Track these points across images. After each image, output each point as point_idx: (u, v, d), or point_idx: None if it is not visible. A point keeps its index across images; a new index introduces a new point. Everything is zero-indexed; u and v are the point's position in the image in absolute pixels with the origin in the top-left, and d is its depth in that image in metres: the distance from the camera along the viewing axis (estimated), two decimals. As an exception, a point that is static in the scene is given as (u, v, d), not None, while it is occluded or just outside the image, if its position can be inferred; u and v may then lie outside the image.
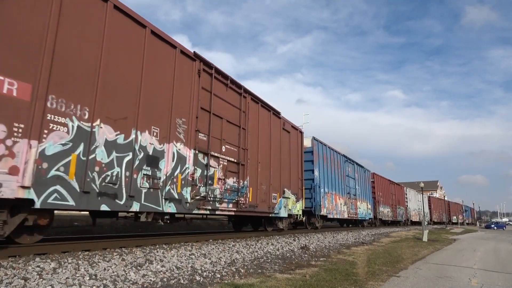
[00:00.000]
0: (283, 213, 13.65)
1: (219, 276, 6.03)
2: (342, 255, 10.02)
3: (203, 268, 6.37)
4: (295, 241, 12.14)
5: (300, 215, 15.51)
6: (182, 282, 5.40)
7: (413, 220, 42.46)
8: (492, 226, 60.43)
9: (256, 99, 12.11)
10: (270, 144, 12.90)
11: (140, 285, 4.95)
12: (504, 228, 58.85)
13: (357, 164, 25.13)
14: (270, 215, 12.89)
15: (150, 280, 5.23)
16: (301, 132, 16.16)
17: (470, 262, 10.19)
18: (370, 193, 27.61)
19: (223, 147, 10.08)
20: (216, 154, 9.68)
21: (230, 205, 10.18)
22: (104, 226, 12.51)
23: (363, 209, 25.50)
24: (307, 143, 17.84)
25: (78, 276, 4.76)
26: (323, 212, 17.98)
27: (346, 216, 21.74)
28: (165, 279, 5.38)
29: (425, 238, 18.64)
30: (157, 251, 7.05)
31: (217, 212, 9.72)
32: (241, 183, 10.71)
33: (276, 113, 13.57)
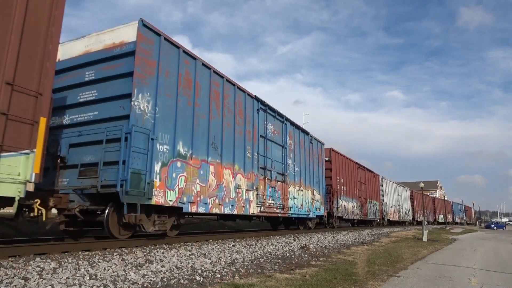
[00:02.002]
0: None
1: (219, 276, 6.04)
2: (342, 255, 10.02)
3: (203, 268, 6.37)
4: (295, 241, 12.15)
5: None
6: (182, 282, 5.40)
7: (390, 219, 33.34)
8: (492, 226, 60.43)
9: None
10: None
11: (140, 285, 4.95)
12: (504, 228, 58.86)
13: (296, 126, 15.56)
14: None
15: (150, 280, 5.23)
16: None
17: (470, 262, 10.19)
18: (322, 178, 18.33)
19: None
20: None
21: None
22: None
23: (305, 200, 15.71)
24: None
25: (78, 276, 4.76)
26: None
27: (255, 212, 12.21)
28: (165, 279, 5.38)
29: (425, 238, 18.65)
30: (157, 251, 7.04)
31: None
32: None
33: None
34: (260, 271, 6.79)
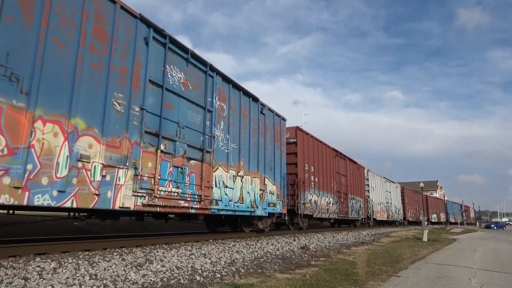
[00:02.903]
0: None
1: (219, 276, 6.04)
2: (342, 255, 10.02)
3: (203, 268, 6.38)
4: (295, 241, 12.15)
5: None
6: (182, 282, 5.40)
7: (377, 218, 28.69)
8: (492, 226, 60.43)
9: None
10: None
11: (140, 285, 4.96)
12: (504, 228, 58.84)
13: (233, 84, 11.00)
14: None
15: (150, 280, 5.23)
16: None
17: (470, 262, 10.19)
18: (280, 164, 13.66)
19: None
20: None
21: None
22: (104, 226, 12.51)
23: (247, 191, 11.21)
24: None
25: (78, 276, 4.76)
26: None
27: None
28: (165, 279, 5.38)
29: (425, 238, 18.65)
30: (157, 251, 7.05)
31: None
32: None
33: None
34: (260, 271, 6.79)
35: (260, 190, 11.83)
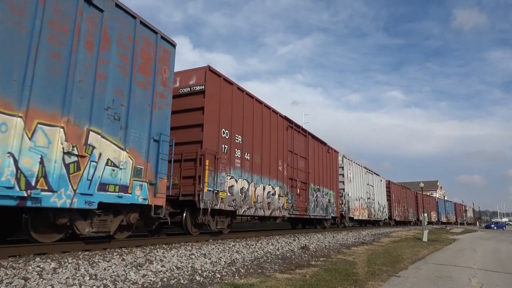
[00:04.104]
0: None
1: (219, 276, 6.04)
2: (342, 255, 10.02)
3: (203, 268, 6.38)
4: (295, 241, 12.15)
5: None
6: (182, 282, 5.40)
7: (355, 217, 23.36)
8: (492, 226, 60.46)
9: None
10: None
11: (140, 285, 4.96)
12: (504, 228, 58.88)
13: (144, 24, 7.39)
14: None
15: (150, 280, 5.23)
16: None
17: (470, 262, 10.20)
18: (153, 116, 7.63)
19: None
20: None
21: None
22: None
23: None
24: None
25: (78, 276, 4.76)
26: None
27: None
28: (165, 279, 5.38)
29: (425, 238, 18.66)
30: (157, 251, 7.05)
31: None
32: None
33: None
34: (260, 271, 6.79)
35: (69, 155, 5.84)
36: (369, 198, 26.71)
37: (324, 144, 19.07)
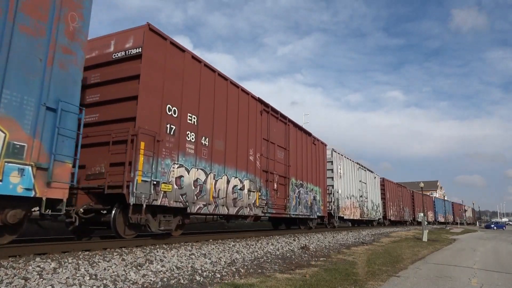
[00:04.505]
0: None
1: (219, 276, 6.04)
2: (342, 255, 10.02)
3: (203, 268, 6.38)
4: (295, 241, 12.15)
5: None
6: (182, 282, 5.40)
7: (345, 216, 21.35)
8: (492, 226, 60.47)
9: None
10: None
11: (140, 285, 4.96)
12: (504, 228, 58.89)
13: None
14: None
15: (150, 280, 5.23)
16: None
17: (470, 262, 10.20)
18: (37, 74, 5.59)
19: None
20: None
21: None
22: (104, 226, 12.48)
23: None
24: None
25: (78, 276, 4.76)
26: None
27: None
28: (165, 279, 5.38)
29: (425, 238, 18.66)
30: (157, 251, 7.05)
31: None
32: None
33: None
34: (260, 271, 6.79)
35: None
36: (361, 196, 24.85)
37: (309, 134, 16.92)
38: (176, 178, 8.38)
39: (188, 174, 8.83)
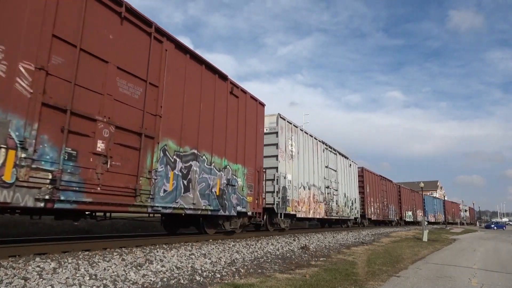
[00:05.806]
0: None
1: (219, 276, 6.04)
2: (342, 255, 10.02)
3: (203, 268, 6.37)
4: (295, 241, 12.14)
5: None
6: (182, 282, 5.40)
7: (300, 214, 15.45)
8: (492, 226, 60.48)
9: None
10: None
11: (140, 285, 4.95)
12: (504, 228, 58.91)
13: None
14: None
15: (150, 280, 5.23)
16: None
17: (470, 262, 10.19)
18: None
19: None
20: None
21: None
22: (104, 226, 12.51)
23: None
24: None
25: (78, 276, 4.75)
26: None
27: None
28: (165, 279, 5.38)
29: (425, 238, 18.66)
30: (157, 251, 7.04)
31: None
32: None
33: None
34: (260, 271, 6.79)
35: None
36: (328, 187, 18.89)
37: (225, 78, 10.43)
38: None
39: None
